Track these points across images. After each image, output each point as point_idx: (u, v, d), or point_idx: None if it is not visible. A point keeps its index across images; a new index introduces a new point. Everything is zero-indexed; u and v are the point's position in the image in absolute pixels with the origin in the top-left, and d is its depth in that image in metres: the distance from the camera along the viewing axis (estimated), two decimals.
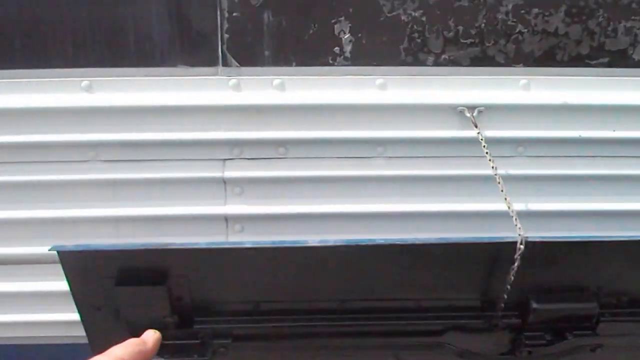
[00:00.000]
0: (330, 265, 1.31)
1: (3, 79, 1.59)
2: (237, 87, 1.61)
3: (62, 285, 1.34)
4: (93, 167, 1.67)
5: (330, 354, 1.48)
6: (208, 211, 1.69)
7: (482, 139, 1.59)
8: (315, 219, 1.67)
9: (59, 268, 1.28)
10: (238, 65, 1.60)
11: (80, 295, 1.36)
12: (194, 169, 1.67)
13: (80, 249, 1.26)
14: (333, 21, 1.58)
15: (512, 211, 1.40)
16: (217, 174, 1.67)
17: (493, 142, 1.62)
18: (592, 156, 1.70)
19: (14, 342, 1.81)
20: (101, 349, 1.45)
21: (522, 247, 1.30)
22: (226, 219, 1.69)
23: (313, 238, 1.58)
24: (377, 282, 1.37)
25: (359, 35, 1.59)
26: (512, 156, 1.69)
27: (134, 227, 1.69)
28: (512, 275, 1.35)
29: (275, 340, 1.44)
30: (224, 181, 1.67)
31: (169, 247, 1.27)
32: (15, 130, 1.62)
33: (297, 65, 1.61)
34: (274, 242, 1.26)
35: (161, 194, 1.69)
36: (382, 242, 1.25)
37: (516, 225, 1.35)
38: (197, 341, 1.43)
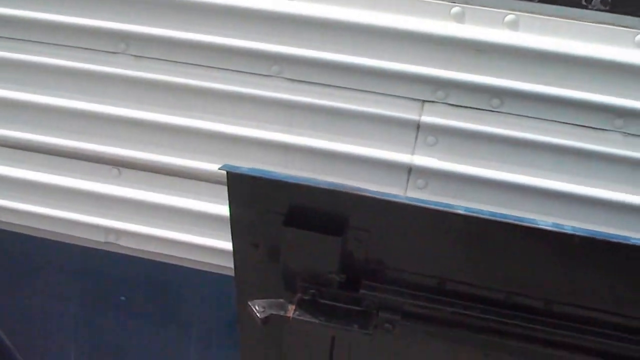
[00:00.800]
0: (555, 256, 1.02)
1: None
2: (459, 17, 1.32)
3: None
4: (274, 84, 1.45)
5: (509, 355, 1.20)
6: (390, 157, 1.43)
7: None
8: (521, 191, 1.37)
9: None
10: None
11: (240, 226, 1.15)
12: (386, 105, 1.41)
13: (254, 173, 1.03)
14: None
15: None
16: (412, 116, 1.40)
17: None
18: None
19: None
20: (248, 288, 1.25)
21: None
22: (410, 170, 1.43)
23: (516, 214, 1.30)
24: (606, 290, 1.06)
25: None
26: None
27: (303, 158, 1.46)
28: None
29: (454, 328, 1.17)
30: (418, 126, 1.40)
31: (361, 192, 1.02)
32: None
33: (540, 1, 1.29)
34: (492, 214, 0.98)
35: (343, 128, 1.44)
36: (625, 241, 0.94)
37: None
38: (360, 309, 1.18)
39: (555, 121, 1.35)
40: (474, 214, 0.97)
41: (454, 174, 1.40)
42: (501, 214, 0.98)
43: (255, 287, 1.24)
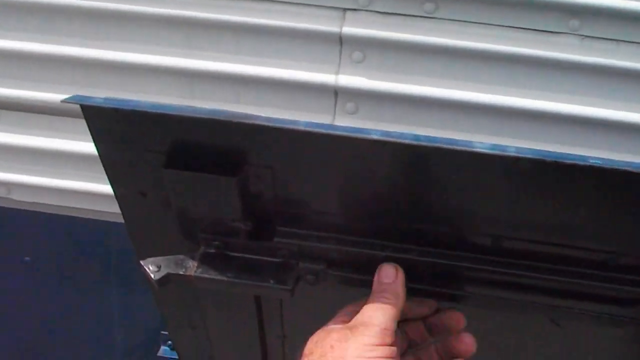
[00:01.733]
0: (497, 183, 0.83)
1: None
2: None
3: None
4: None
5: (463, 304, 1.01)
6: (312, 79, 1.21)
7: None
8: (466, 110, 1.18)
9: None
10: None
11: (117, 171, 0.93)
12: (301, 17, 1.19)
13: (114, 105, 0.81)
14: None
15: None
16: (332, 28, 1.17)
17: None
18: None
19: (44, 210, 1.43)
20: (144, 243, 1.05)
21: None
22: (336, 92, 1.22)
23: (467, 138, 1.10)
24: (558, 219, 0.88)
25: None
26: None
27: (212, 86, 1.24)
28: None
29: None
30: (341, 40, 1.18)
31: (252, 120, 0.80)
32: None
33: None
34: (417, 138, 0.77)
35: (252, 47, 1.22)
36: (582, 161, 0.74)
37: None
38: (276, 260, 0.98)
39: (500, 26, 1.14)
40: (393, 139, 0.77)
41: (387, 94, 1.20)
42: (427, 136, 0.77)
43: (152, 242, 1.03)
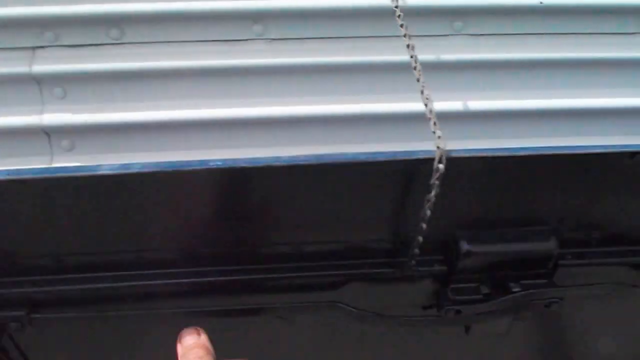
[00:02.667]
0: (179, 195, 0.87)
1: None
2: None
3: None
4: None
5: (184, 320, 1.03)
6: (17, 122, 1.19)
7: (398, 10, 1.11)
8: (170, 129, 1.20)
9: None
10: None
11: None
12: None
13: None
14: None
15: (431, 111, 0.93)
16: (22, 68, 1.16)
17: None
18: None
19: None
20: None
21: (441, 165, 0.85)
22: (47, 132, 1.21)
23: (160, 158, 1.12)
24: (249, 220, 0.92)
25: None
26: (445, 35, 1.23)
27: None
28: (430, 206, 0.90)
29: (101, 304, 0.99)
30: (36, 80, 1.17)
31: None
32: None
33: None
34: (91, 169, 0.80)
35: None
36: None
37: (434, 132, 0.89)
38: None
39: (187, 42, 1.18)
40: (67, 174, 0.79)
41: (96, 126, 1.20)
42: (125, 165, 0.80)
43: None
